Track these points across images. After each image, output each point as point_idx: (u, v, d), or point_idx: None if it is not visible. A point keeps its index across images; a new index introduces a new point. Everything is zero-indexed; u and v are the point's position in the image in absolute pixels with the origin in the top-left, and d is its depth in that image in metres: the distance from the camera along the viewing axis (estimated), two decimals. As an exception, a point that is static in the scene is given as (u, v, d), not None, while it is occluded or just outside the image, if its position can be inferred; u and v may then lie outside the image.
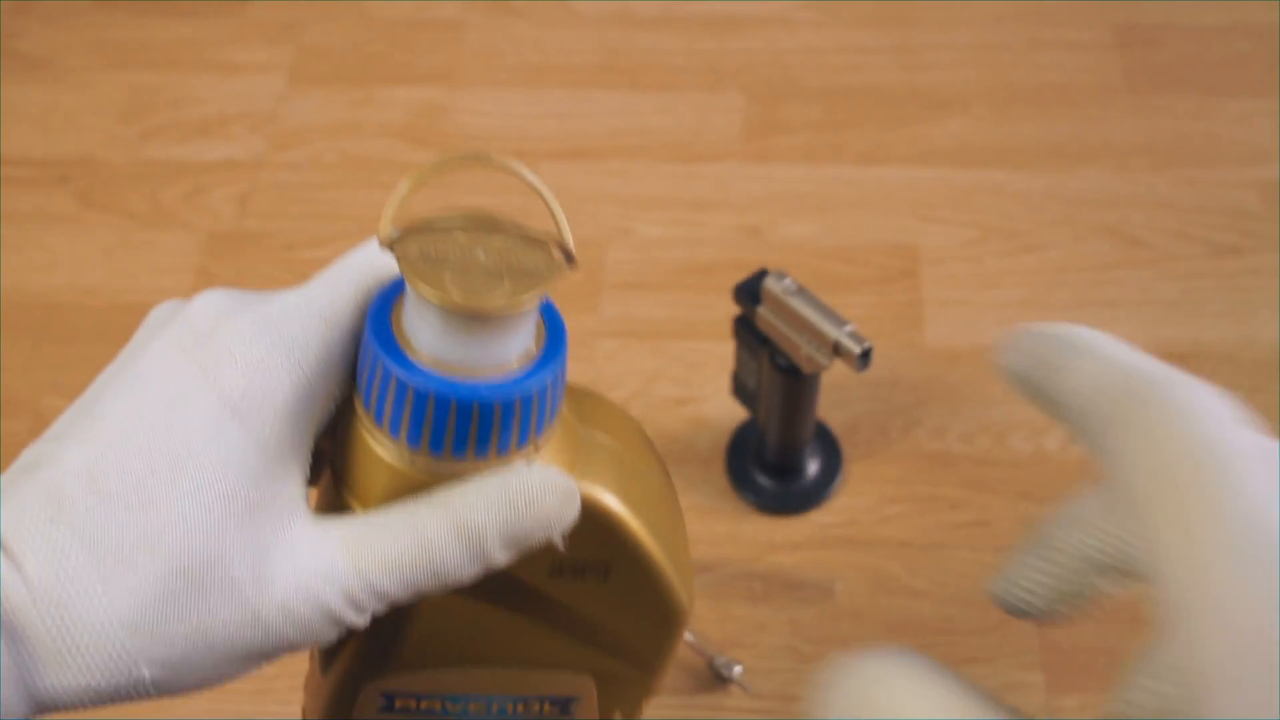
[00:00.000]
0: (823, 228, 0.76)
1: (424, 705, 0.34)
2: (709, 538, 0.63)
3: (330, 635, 0.31)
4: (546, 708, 0.36)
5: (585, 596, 0.33)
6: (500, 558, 0.30)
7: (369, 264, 0.32)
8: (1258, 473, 0.21)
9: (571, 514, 0.30)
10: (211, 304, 0.31)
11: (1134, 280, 0.73)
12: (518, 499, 0.30)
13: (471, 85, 0.84)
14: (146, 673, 0.29)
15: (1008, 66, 0.84)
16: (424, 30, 0.87)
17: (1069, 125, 0.80)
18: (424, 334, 0.29)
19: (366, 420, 0.30)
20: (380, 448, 0.30)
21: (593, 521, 0.31)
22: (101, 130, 0.82)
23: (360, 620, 0.30)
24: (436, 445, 0.29)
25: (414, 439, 0.29)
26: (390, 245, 0.29)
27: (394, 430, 0.30)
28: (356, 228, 0.77)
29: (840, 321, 0.56)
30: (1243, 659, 0.18)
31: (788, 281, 0.57)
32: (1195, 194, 0.77)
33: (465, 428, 0.29)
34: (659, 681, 0.37)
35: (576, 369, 0.69)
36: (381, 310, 0.30)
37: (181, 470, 0.29)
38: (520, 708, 0.36)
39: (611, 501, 0.31)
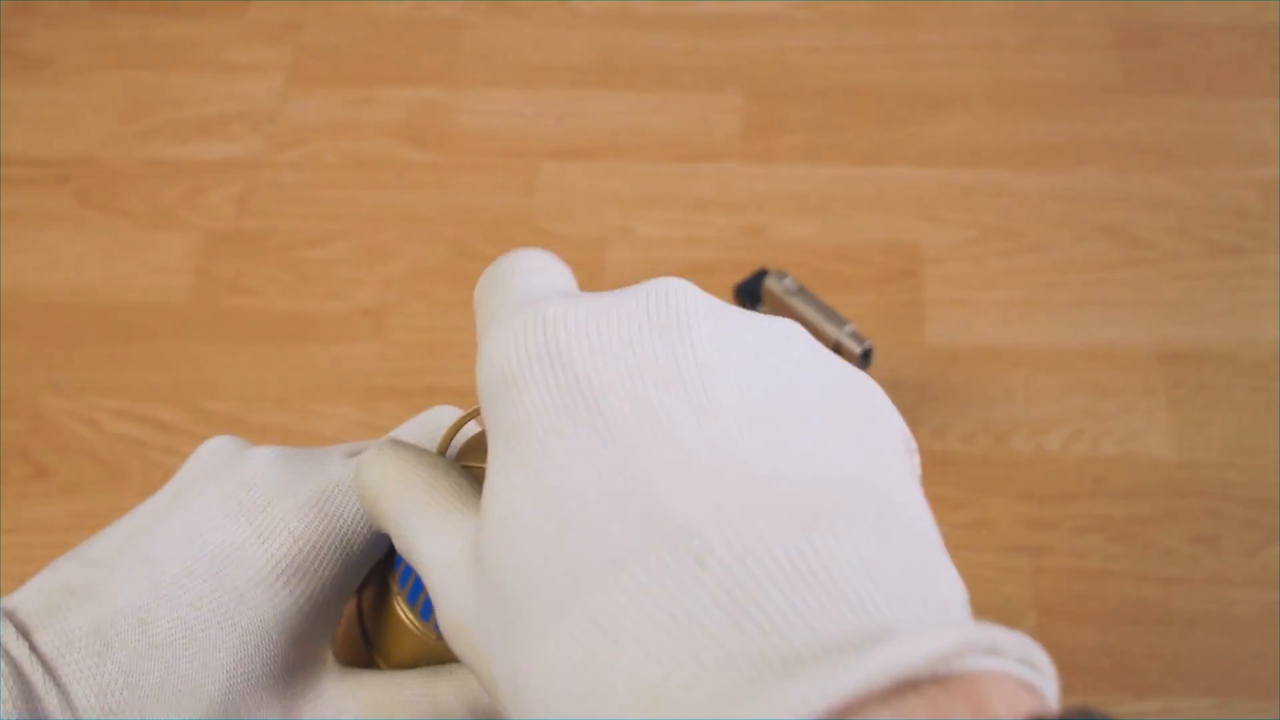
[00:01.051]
0: (823, 227, 0.76)
1: None
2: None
3: None
4: None
5: None
6: None
7: (434, 435, 0.35)
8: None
9: None
10: (270, 468, 0.34)
11: (1135, 280, 0.73)
12: None
13: (471, 85, 0.84)
14: None
15: (1008, 66, 0.84)
16: (424, 30, 0.87)
17: (1069, 125, 0.80)
18: None
19: (400, 599, 0.34)
20: (411, 624, 0.33)
21: None
22: (101, 130, 0.82)
23: None
24: None
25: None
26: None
27: (424, 615, 0.33)
28: (355, 227, 0.76)
29: (841, 321, 0.56)
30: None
31: (788, 281, 0.57)
32: (1196, 194, 0.77)
33: None
34: None
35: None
36: None
37: (231, 627, 0.32)
38: None
39: None
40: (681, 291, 0.23)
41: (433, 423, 0.35)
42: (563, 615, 0.21)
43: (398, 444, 0.29)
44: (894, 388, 0.68)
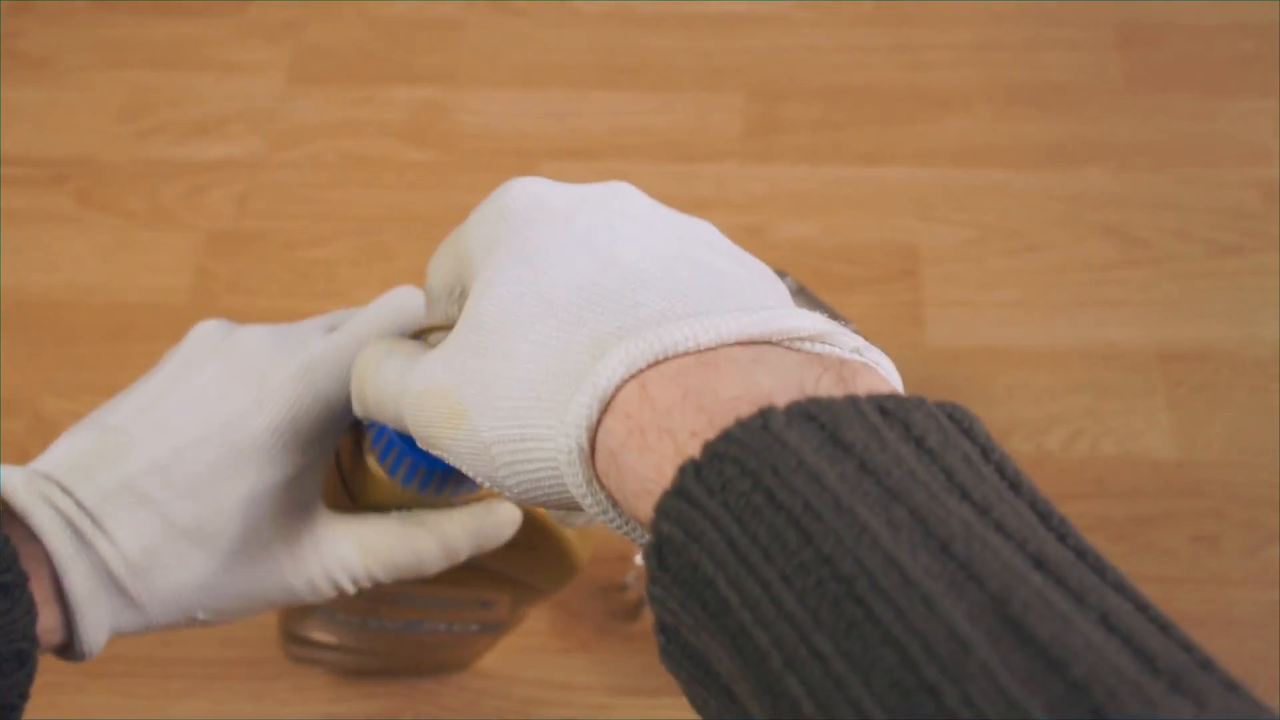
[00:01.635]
0: (823, 227, 0.76)
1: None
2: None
3: (331, 597, 0.41)
4: (472, 605, 0.51)
5: (514, 559, 0.45)
6: (464, 559, 0.43)
7: (396, 314, 0.41)
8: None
9: (514, 529, 0.43)
10: (260, 346, 0.40)
11: (1135, 280, 0.73)
12: (485, 527, 0.42)
13: (471, 85, 0.84)
14: (201, 615, 0.39)
15: (1008, 66, 0.84)
16: (424, 29, 0.87)
17: (1069, 125, 0.80)
18: None
19: (372, 457, 0.41)
20: (380, 476, 0.41)
21: (529, 519, 0.43)
22: (100, 130, 0.82)
23: (353, 590, 0.41)
24: (424, 488, 0.41)
25: (408, 481, 0.41)
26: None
27: (393, 472, 0.41)
28: (355, 227, 0.76)
29: (841, 321, 0.56)
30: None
31: (788, 281, 0.57)
32: (1196, 193, 0.77)
33: (445, 482, 0.41)
34: (553, 597, 0.53)
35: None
36: None
37: (241, 480, 0.38)
38: (452, 603, 0.51)
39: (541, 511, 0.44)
40: (630, 186, 0.33)
41: (392, 303, 0.41)
42: (534, 319, 0.29)
43: (378, 341, 0.36)
44: (894, 388, 0.68)
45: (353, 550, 0.41)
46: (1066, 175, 0.78)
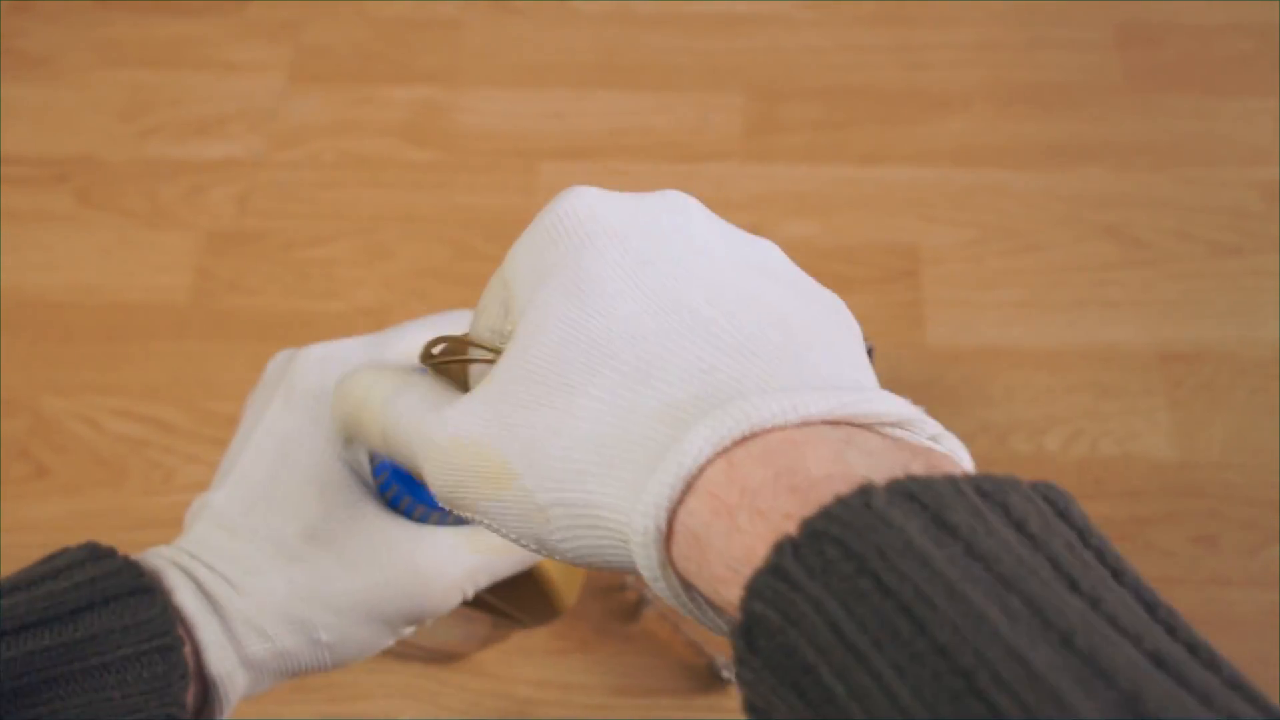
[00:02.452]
0: (823, 227, 0.76)
1: None
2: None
3: (453, 606, 0.41)
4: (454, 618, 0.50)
5: (499, 592, 0.44)
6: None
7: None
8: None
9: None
10: (308, 371, 0.41)
11: (1135, 280, 0.73)
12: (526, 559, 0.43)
13: (471, 84, 0.84)
14: (323, 636, 0.39)
15: (1008, 66, 0.84)
16: (424, 29, 0.87)
17: (1070, 125, 0.80)
18: None
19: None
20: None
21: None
22: (100, 129, 0.82)
23: (471, 596, 0.41)
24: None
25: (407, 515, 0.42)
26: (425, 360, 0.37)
27: (393, 504, 0.41)
28: (355, 227, 0.76)
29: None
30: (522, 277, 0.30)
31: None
32: (1196, 193, 0.77)
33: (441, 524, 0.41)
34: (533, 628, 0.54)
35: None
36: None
37: (308, 485, 0.39)
38: None
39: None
40: (687, 198, 0.32)
41: (444, 324, 0.42)
42: (591, 372, 0.27)
43: (367, 367, 0.37)
44: (893, 387, 0.68)
45: (468, 553, 0.41)
46: (1067, 175, 0.78)
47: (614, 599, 0.62)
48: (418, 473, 0.32)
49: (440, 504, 0.31)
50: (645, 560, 0.26)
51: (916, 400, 0.29)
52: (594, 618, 0.62)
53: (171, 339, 0.72)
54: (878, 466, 0.24)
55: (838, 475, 0.24)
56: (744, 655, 0.23)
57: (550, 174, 0.79)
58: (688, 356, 0.27)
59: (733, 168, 0.79)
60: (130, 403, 0.69)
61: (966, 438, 0.65)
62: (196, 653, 0.37)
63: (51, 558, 0.38)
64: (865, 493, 0.23)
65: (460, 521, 0.41)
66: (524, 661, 0.61)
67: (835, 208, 0.76)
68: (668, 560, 0.26)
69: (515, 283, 0.31)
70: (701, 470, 0.25)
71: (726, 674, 0.58)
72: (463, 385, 0.34)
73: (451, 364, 0.35)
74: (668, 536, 0.26)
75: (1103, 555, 0.23)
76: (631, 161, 0.79)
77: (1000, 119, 0.81)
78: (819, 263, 0.74)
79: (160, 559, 0.39)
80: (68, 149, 0.81)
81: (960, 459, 0.27)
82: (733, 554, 0.24)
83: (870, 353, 0.55)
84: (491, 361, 0.32)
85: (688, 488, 0.25)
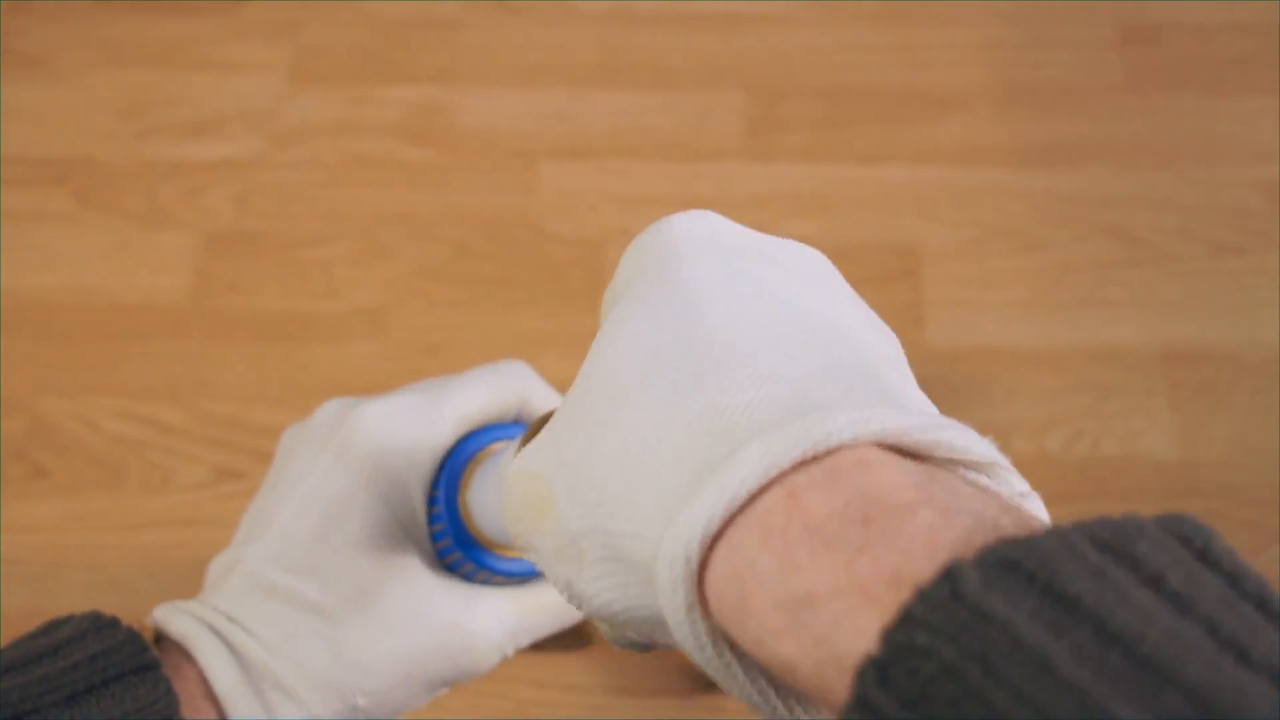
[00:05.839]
0: (823, 227, 0.75)
1: None
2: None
3: (491, 667, 0.41)
4: None
5: None
6: None
7: (499, 390, 0.41)
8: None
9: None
10: (365, 431, 0.40)
11: (1136, 280, 0.73)
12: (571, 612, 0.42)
13: (471, 84, 0.84)
14: (361, 701, 0.38)
15: (1009, 65, 0.83)
16: (423, 29, 0.87)
17: (1071, 124, 0.80)
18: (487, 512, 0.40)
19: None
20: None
21: None
22: (99, 129, 0.82)
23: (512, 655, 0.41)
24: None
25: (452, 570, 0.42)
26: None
27: (441, 556, 0.41)
28: (355, 227, 0.76)
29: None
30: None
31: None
32: (1198, 193, 0.76)
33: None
34: None
35: (577, 369, 0.68)
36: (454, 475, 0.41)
37: (346, 540, 0.38)
38: None
39: None
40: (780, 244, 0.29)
41: (495, 378, 0.41)
42: (643, 381, 0.24)
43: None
44: (895, 388, 0.68)
45: (513, 614, 0.40)
46: (1068, 175, 0.78)
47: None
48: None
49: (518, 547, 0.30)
50: (670, 598, 0.21)
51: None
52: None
53: (170, 340, 0.72)
54: (963, 508, 0.20)
55: (921, 503, 0.20)
56: None
57: (550, 174, 0.78)
58: (756, 359, 0.23)
59: (733, 168, 0.79)
60: (129, 403, 0.69)
61: (967, 438, 0.66)
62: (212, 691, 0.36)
63: (53, 627, 0.36)
64: (952, 578, 0.18)
65: (511, 580, 0.40)
66: (524, 662, 0.60)
67: (835, 207, 0.76)
68: (697, 603, 0.21)
69: (605, 303, 0.28)
70: (751, 497, 0.21)
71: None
72: None
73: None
74: (700, 573, 0.21)
75: (1264, 603, 0.19)
76: (631, 161, 0.79)
77: (1001, 118, 0.81)
78: (819, 263, 0.74)
79: (190, 619, 0.37)
80: (66, 149, 0.81)
81: (1045, 520, 0.22)
82: (789, 596, 0.20)
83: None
84: None
85: (731, 516, 0.21)
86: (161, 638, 0.38)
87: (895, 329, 0.30)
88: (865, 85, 0.83)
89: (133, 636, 0.35)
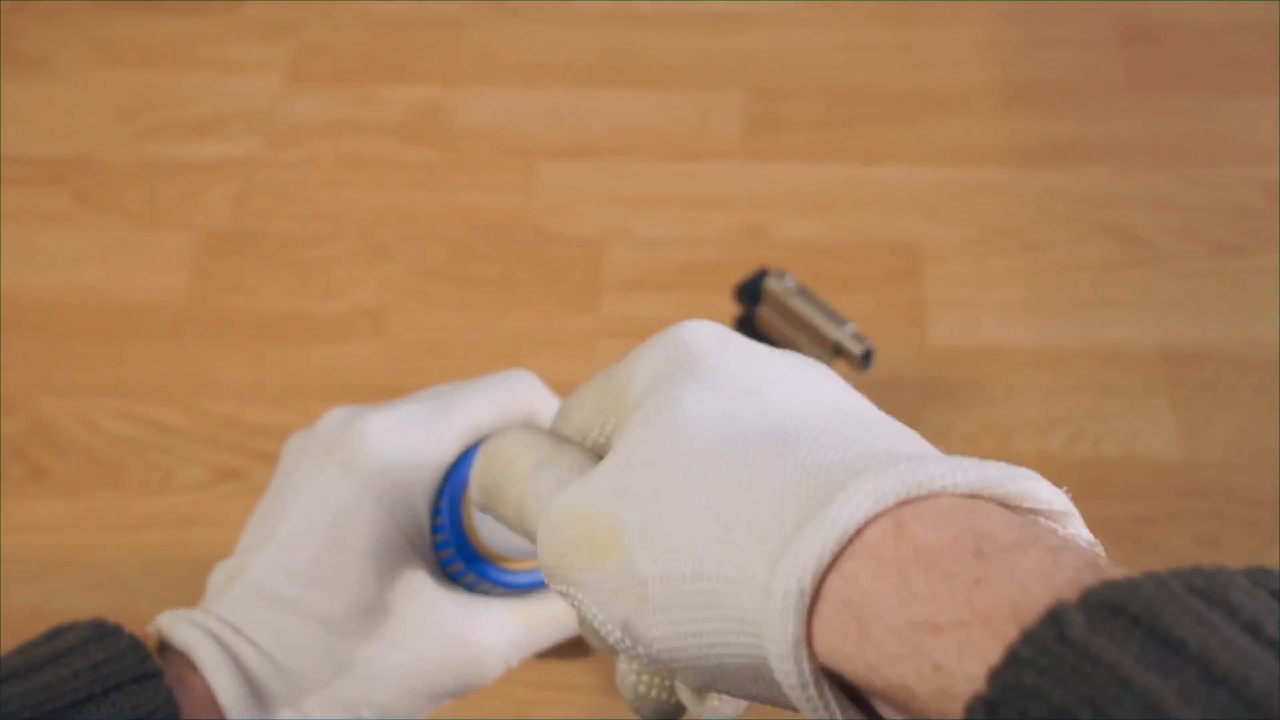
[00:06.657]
0: (824, 227, 0.75)
1: None
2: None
3: (496, 677, 0.41)
4: None
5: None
6: None
7: (510, 401, 0.41)
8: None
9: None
10: (368, 441, 0.40)
11: (1137, 280, 0.73)
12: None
13: (471, 84, 0.84)
14: (366, 713, 0.38)
15: (1010, 65, 0.83)
16: (423, 29, 0.87)
17: (1071, 124, 0.80)
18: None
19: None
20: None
21: None
22: (98, 129, 0.82)
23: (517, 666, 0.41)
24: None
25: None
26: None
27: (443, 566, 0.41)
28: (355, 227, 0.76)
29: (841, 321, 0.55)
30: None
31: (788, 281, 0.57)
32: (1198, 193, 0.76)
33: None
34: None
35: (576, 369, 0.69)
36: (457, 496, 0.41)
37: (351, 551, 0.38)
38: None
39: None
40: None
41: (506, 385, 0.41)
42: (722, 442, 0.25)
43: (518, 432, 0.33)
44: (894, 388, 0.67)
45: (518, 627, 0.40)
46: (1068, 174, 0.77)
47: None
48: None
49: (542, 576, 0.30)
50: (777, 635, 0.22)
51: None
52: (594, 619, 0.61)
53: (170, 339, 0.72)
54: (1070, 550, 0.21)
55: (1029, 543, 0.20)
56: None
57: (549, 174, 0.78)
58: (832, 430, 0.24)
59: (733, 167, 0.78)
60: (128, 403, 0.69)
61: (968, 438, 0.65)
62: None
63: (56, 634, 0.36)
64: (1056, 620, 0.18)
65: (513, 591, 0.40)
66: (524, 663, 0.60)
67: (836, 207, 0.76)
68: (803, 637, 0.22)
69: (630, 384, 0.29)
70: (859, 531, 0.22)
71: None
72: None
73: None
74: (810, 608, 0.22)
75: None
76: (631, 161, 0.79)
77: (1001, 118, 0.81)
78: (820, 262, 0.74)
79: (195, 629, 0.37)
80: (65, 149, 0.81)
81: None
82: (908, 623, 0.20)
83: (869, 355, 0.55)
84: None
85: (841, 550, 0.22)
86: (165, 646, 0.38)
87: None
88: (865, 85, 0.83)
89: (135, 645, 0.35)
